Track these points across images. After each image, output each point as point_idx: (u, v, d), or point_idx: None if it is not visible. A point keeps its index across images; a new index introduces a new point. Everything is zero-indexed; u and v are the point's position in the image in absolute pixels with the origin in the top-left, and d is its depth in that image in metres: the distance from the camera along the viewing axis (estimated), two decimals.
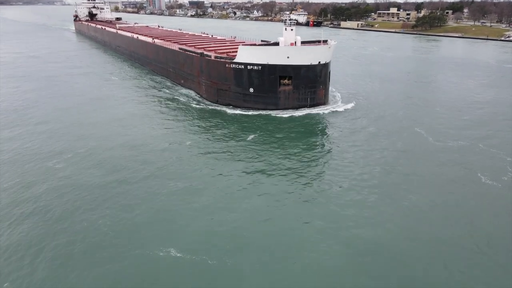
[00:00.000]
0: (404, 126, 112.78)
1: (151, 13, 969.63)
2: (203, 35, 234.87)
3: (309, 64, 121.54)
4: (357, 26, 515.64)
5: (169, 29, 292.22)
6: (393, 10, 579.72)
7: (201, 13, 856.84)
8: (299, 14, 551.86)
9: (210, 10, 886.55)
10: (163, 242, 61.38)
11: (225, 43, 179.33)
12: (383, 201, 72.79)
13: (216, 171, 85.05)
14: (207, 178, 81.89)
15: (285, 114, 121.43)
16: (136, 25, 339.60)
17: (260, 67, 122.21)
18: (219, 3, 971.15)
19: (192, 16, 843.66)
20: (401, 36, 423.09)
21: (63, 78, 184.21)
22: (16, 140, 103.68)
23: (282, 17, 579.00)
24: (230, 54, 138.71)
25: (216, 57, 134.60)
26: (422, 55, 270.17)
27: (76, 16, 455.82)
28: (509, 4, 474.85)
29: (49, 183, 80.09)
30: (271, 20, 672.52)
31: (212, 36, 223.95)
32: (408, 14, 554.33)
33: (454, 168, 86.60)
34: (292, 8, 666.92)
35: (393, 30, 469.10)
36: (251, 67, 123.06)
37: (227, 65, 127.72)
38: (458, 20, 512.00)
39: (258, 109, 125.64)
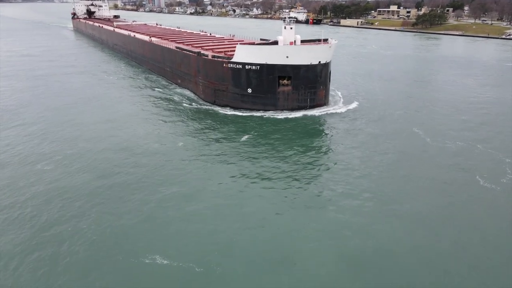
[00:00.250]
0: (404, 128, 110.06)
1: (151, 11, 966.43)
2: (201, 33, 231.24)
3: (309, 64, 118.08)
4: (357, 24, 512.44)
5: (167, 27, 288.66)
6: (393, 7, 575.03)
7: (200, 10, 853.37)
8: (299, 12, 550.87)
9: (209, 8, 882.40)
10: (150, 249, 59.21)
11: (223, 42, 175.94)
12: (381, 207, 70.54)
13: (209, 175, 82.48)
14: (199, 182, 79.32)
15: (284, 115, 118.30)
16: (134, 23, 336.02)
17: (258, 67, 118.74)
18: (219, 0, 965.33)
19: (191, 14, 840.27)
20: (401, 34, 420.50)
21: (57, 77, 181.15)
22: (4, 141, 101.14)
23: (281, 15, 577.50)
24: (228, 53, 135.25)
25: (213, 56, 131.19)
26: (422, 54, 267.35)
27: (74, 14, 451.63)
28: (510, 2, 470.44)
29: (37, 187, 77.55)
30: (270, 18, 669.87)
31: (210, 34, 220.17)
32: (408, 12, 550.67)
33: (453, 171, 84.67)
34: (291, 6, 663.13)
35: (393, 28, 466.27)
36: (249, 67, 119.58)
37: (224, 65, 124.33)
38: (459, 18, 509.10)
39: (257, 110, 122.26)
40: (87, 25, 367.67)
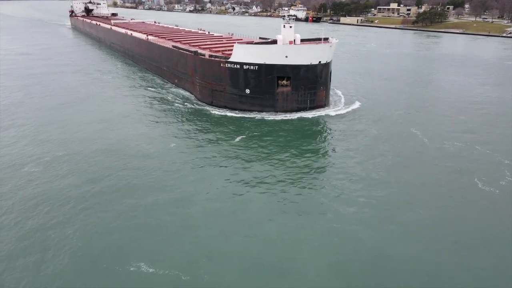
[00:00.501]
0: (404, 130, 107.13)
1: (150, 9, 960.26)
2: (199, 31, 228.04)
3: (309, 64, 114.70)
4: (357, 22, 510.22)
5: (165, 25, 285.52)
6: (394, 5, 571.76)
7: (199, 8, 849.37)
8: (298, 10, 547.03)
9: (208, 5, 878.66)
10: (136, 257, 56.97)
11: (222, 41, 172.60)
12: (378, 213, 67.88)
13: (202, 179, 79.71)
14: (191, 186, 76.62)
15: (282, 117, 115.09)
16: (132, 21, 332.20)
17: (256, 67, 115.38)
18: None
19: (190, 11, 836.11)
20: (401, 32, 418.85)
21: (51, 75, 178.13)
22: None
23: (280, 14, 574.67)
24: (225, 52, 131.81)
25: (210, 56, 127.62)
26: (423, 52, 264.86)
27: (72, 12, 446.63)
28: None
29: (23, 191, 74.95)
30: (270, 16, 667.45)
31: (208, 33, 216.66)
32: (408, 10, 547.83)
33: (451, 174, 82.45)
34: (291, 3, 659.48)
35: (393, 26, 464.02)
36: (247, 67, 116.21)
37: (222, 65, 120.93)
38: (459, 16, 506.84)
39: (255, 111, 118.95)
40: (85, 23, 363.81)
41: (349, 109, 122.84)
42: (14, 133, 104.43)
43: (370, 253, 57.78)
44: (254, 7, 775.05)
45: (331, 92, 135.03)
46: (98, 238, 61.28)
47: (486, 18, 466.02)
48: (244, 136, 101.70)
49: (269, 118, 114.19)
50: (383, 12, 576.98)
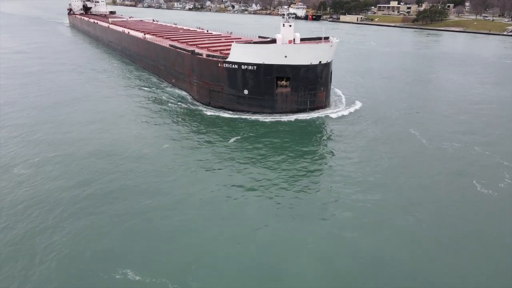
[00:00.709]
0: (404, 132, 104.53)
1: (149, 6, 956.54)
2: (198, 30, 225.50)
3: (309, 64, 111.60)
4: (357, 20, 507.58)
5: (163, 24, 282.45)
6: (394, 3, 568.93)
7: (199, 6, 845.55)
8: (298, 8, 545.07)
9: (208, 3, 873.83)
10: (123, 264, 54.74)
11: (220, 40, 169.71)
12: (375, 218, 65.66)
13: (196, 183, 77.31)
14: (184, 190, 74.32)
15: (281, 118, 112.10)
16: (130, 19, 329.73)
17: (255, 67, 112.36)
18: None
19: (190, 9, 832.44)
20: (401, 30, 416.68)
21: (47, 74, 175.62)
22: None
23: (279, 12, 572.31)
24: (223, 52, 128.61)
25: (207, 55, 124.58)
26: (423, 51, 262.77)
27: (70, 10, 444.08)
28: None
29: (12, 195, 72.82)
30: (269, 14, 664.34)
31: (207, 31, 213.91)
32: (408, 8, 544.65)
33: (450, 176, 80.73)
34: (291, 1, 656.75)
35: (393, 24, 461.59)
36: (246, 67, 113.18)
37: (219, 64, 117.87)
38: (460, 14, 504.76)
39: (253, 113, 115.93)
40: (83, 21, 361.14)
41: (350, 110, 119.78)
42: (4, 133, 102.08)
43: (367, 258, 56.03)
44: (253, 5, 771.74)
45: (333, 92, 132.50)
46: (86, 243, 59.19)
47: (486, 17, 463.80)
48: (240, 138, 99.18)
49: (267, 120, 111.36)
50: (383, 10, 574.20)
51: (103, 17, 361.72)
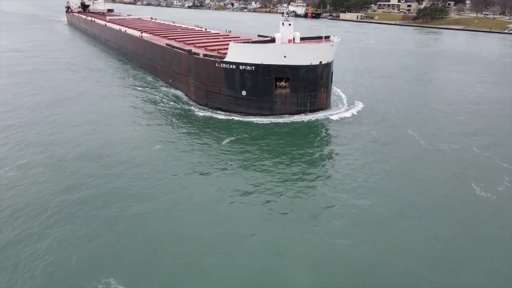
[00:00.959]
0: (404, 134, 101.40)
1: (148, 4, 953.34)
2: (196, 28, 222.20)
3: (309, 64, 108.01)
4: (357, 18, 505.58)
5: (161, 22, 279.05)
6: (394, 1, 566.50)
7: (198, 4, 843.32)
8: (298, 6, 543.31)
9: (207, 1, 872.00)
10: (106, 274, 51.99)
11: (218, 38, 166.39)
12: (371, 226, 62.95)
13: (189, 187, 74.52)
14: (176, 195, 71.47)
15: (280, 120, 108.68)
16: (128, 17, 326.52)
17: (253, 67, 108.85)
18: None
19: (189, 7, 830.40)
20: (401, 28, 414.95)
21: (41, 73, 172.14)
22: None
23: (278, 10, 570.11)
24: (221, 51, 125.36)
25: (204, 55, 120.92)
26: (423, 49, 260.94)
27: (68, 8, 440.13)
28: None
29: None
30: (269, 12, 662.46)
31: (205, 30, 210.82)
32: (409, 6, 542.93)
33: (449, 179, 78.63)
34: None
35: (393, 22, 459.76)
36: (244, 67, 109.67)
37: (216, 65, 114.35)
38: (460, 12, 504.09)
39: (252, 114, 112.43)
40: (80, 19, 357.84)
41: (350, 112, 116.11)
42: None
43: (362, 266, 54.06)
44: (253, 2, 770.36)
45: (333, 92, 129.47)
46: (72, 250, 56.55)
47: (487, 14, 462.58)
48: (236, 140, 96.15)
49: (267, 122, 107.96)
50: (383, 8, 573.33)
51: (101, 15, 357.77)
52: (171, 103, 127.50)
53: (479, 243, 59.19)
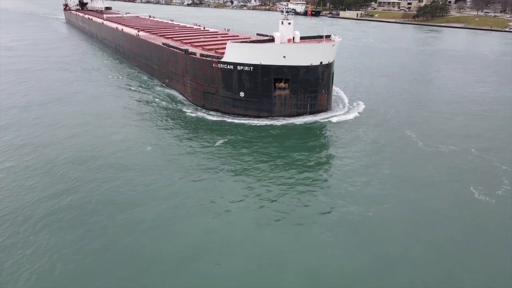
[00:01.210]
0: (405, 137, 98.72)
1: (147, 2, 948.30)
2: (194, 26, 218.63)
3: (309, 65, 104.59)
4: (357, 16, 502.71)
5: (159, 20, 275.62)
6: None
7: (197, 2, 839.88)
8: (297, 3, 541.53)
9: None
10: (92, 285, 50.42)
11: (217, 37, 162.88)
12: (369, 234, 60.74)
13: (180, 193, 71.55)
14: (168, 201, 68.69)
15: (279, 122, 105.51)
16: (126, 15, 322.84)
17: (251, 67, 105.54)
18: None
19: (188, 5, 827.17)
20: (401, 26, 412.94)
21: (33, 72, 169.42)
22: None
23: (278, 8, 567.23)
24: (219, 51, 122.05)
25: (201, 55, 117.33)
26: (423, 47, 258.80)
27: (66, 5, 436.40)
28: None
29: None
30: (268, 10, 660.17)
31: (204, 28, 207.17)
32: (409, 4, 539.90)
33: (448, 182, 76.82)
34: None
35: (393, 20, 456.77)
36: (241, 67, 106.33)
37: (214, 65, 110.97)
38: (461, 10, 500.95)
39: (250, 116, 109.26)
40: (78, 17, 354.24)
41: (351, 114, 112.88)
42: None
43: (359, 275, 52.42)
44: (252, 0, 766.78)
45: (334, 92, 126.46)
46: (56, 260, 54.36)
47: (488, 12, 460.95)
48: (230, 144, 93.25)
49: (265, 124, 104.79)
50: (383, 6, 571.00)
51: (99, 13, 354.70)
52: (167, 104, 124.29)
53: (478, 250, 57.58)
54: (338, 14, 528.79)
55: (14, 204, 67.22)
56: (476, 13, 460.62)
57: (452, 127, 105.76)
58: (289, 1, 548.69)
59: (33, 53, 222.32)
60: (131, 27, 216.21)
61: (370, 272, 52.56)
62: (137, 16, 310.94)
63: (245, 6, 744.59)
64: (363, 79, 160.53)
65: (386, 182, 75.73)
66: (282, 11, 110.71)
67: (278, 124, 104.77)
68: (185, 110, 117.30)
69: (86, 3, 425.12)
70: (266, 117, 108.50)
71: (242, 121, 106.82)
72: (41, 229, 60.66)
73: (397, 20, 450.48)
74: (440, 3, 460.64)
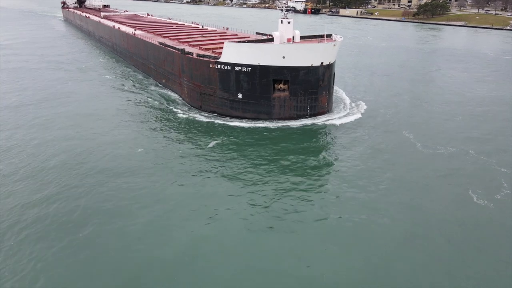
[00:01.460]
0: (405, 140, 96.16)
1: (146, 0, 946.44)
2: (192, 25, 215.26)
3: (309, 65, 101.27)
4: (357, 14, 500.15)
5: (157, 18, 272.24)
6: None
7: None
8: (297, 1, 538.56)
9: None
10: None
11: (215, 36, 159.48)
12: (365, 243, 58.51)
13: (170, 200, 68.73)
14: (155, 209, 65.79)
15: (278, 125, 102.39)
16: (124, 13, 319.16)
17: (250, 68, 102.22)
18: None
19: (188, 2, 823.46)
20: (401, 24, 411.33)
21: (28, 72, 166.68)
22: None
23: (277, 7, 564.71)
24: (216, 51, 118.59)
25: (198, 55, 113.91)
26: (424, 46, 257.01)
27: (64, 3, 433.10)
28: None
29: None
30: (268, 7, 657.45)
31: (202, 27, 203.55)
32: (409, 1, 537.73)
33: (447, 185, 75.24)
34: None
35: (393, 18, 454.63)
36: (239, 68, 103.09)
37: (211, 65, 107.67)
38: (462, 8, 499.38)
39: (248, 119, 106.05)
40: (75, 15, 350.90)
41: (352, 116, 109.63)
42: None
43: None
44: None
45: (335, 93, 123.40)
46: (40, 270, 51.89)
47: (489, 10, 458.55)
48: (225, 147, 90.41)
49: (264, 127, 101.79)
50: (383, 4, 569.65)
51: (97, 11, 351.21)
52: (163, 105, 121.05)
53: (478, 252, 56.64)
54: (338, 12, 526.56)
55: None
56: (476, 11, 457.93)
57: (452, 128, 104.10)
58: None
59: (29, 51, 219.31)
60: (128, 25, 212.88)
61: (366, 280, 51.09)
62: (135, 14, 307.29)
63: (244, 4, 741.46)
64: (363, 78, 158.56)
65: (384, 187, 73.63)
66: (282, 9, 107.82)
67: (276, 126, 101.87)
68: (181, 111, 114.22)
69: (84, 1, 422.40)
70: (264, 119, 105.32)
71: (239, 124, 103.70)
72: (26, 236, 58.42)
73: (397, 18, 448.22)
74: (441, 1, 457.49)
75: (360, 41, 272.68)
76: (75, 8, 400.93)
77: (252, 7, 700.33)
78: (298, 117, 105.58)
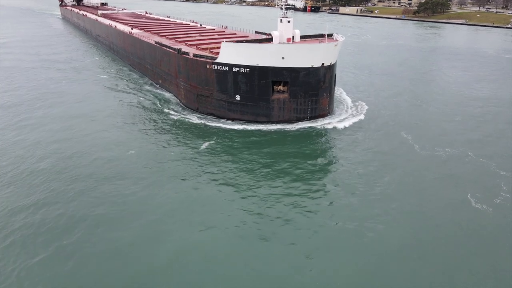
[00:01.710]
0: (406, 142, 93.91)
1: None
2: (191, 24, 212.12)
3: (310, 66, 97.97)
4: (357, 12, 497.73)
5: (155, 17, 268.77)
6: None
7: None
8: None
9: None
10: None
11: (213, 35, 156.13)
12: (363, 251, 56.63)
13: (161, 206, 66.46)
14: (150, 218, 63.28)
15: (277, 128, 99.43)
16: (122, 11, 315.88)
17: (248, 69, 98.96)
18: None
19: (187, 0, 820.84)
20: (401, 22, 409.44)
21: (21, 71, 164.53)
22: None
23: (277, 5, 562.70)
24: (214, 50, 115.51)
25: (195, 55, 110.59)
26: (424, 44, 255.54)
27: (62, 1, 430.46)
28: None
29: None
30: (268, 5, 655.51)
31: (201, 25, 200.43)
32: None
33: (446, 189, 73.55)
34: None
35: (393, 16, 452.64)
36: (237, 69, 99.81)
37: (208, 66, 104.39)
38: (462, 6, 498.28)
39: (247, 121, 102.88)
40: (73, 13, 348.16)
41: (353, 119, 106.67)
42: None
43: None
44: None
45: (336, 94, 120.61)
46: (24, 280, 50.06)
47: (489, 8, 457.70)
48: (221, 150, 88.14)
49: (263, 130, 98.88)
50: (383, 2, 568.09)
51: (94, 9, 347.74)
52: (158, 107, 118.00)
53: (475, 265, 54.57)
54: (338, 10, 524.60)
55: None
56: (477, 9, 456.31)
57: (451, 130, 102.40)
58: None
59: (24, 50, 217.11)
60: (125, 24, 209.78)
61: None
62: (133, 13, 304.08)
63: (244, 1, 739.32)
64: (364, 78, 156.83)
65: (382, 192, 72.01)
66: (281, 8, 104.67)
67: (273, 129, 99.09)
68: (177, 113, 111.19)
69: None
70: (263, 122, 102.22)
71: (236, 127, 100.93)
72: (11, 243, 56.48)
73: (398, 16, 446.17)
74: None
75: (360, 39, 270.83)
76: (73, 6, 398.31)
77: (251, 4, 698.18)
78: (298, 120, 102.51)
